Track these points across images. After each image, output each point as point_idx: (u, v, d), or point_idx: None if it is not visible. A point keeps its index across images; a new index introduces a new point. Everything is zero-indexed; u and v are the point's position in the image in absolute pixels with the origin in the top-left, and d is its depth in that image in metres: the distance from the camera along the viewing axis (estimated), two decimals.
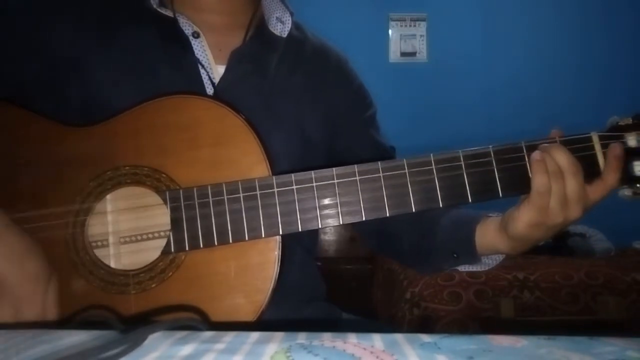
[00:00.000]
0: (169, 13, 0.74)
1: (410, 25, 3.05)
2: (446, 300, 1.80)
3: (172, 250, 0.62)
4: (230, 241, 0.62)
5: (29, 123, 0.67)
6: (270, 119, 0.69)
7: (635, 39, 2.91)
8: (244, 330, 0.43)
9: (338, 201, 0.62)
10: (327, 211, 0.63)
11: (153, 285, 0.62)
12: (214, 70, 0.75)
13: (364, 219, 0.62)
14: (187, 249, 0.62)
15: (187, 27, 0.75)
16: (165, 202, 0.63)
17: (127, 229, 0.65)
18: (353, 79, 0.89)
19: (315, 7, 2.90)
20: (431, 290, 1.83)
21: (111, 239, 0.64)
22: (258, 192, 0.62)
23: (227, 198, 0.62)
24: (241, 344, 0.39)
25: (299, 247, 0.79)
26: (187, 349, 0.38)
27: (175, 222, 0.62)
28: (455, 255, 0.75)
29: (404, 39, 3.04)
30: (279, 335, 0.42)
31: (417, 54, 3.05)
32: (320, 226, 0.63)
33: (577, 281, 1.88)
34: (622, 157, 0.62)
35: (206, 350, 0.38)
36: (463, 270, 0.79)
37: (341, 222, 0.63)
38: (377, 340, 0.40)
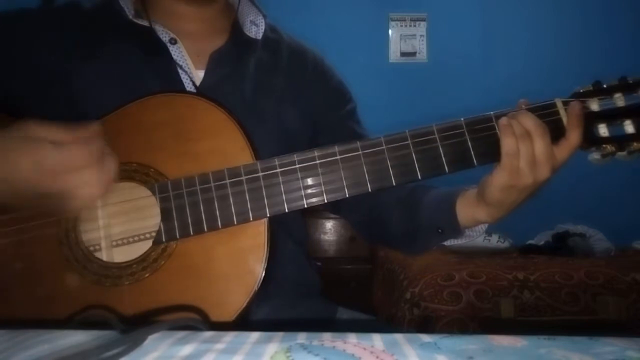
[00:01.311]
0: (145, 23, 0.76)
1: (410, 25, 3.05)
2: (446, 300, 1.80)
3: (164, 239, 0.63)
4: (220, 226, 0.63)
5: None
6: (253, 118, 0.71)
7: (635, 39, 2.91)
8: (244, 331, 0.43)
9: (321, 180, 0.65)
10: (311, 190, 0.65)
11: (146, 275, 0.62)
12: (195, 74, 0.77)
13: (347, 195, 0.65)
14: (177, 237, 0.63)
15: (164, 35, 0.77)
16: (154, 194, 0.64)
17: (118, 232, 0.65)
18: (330, 76, 0.92)
19: (316, 7, 2.90)
20: (431, 290, 1.83)
21: (103, 244, 0.65)
22: (244, 177, 0.64)
23: (215, 185, 0.64)
24: (241, 344, 0.39)
25: (290, 240, 0.81)
26: (187, 349, 0.38)
27: (165, 212, 0.64)
28: (439, 231, 0.77)
29: (404, 39, 3.04)
30: (279, 335, 0.42)
31: (417, 54, 3.05)
32: (305, 205, 0.65)
33: (577, 281, 1.88)
34: (581, 114, 0.66)
35: (206, 350, 0.38)
36: (448, 245, 0.81)
37: (325, 200, 0.65)
38: (377, 340, 0.40)
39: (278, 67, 0.85)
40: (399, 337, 0.41)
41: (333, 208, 0.94)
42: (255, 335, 0.42)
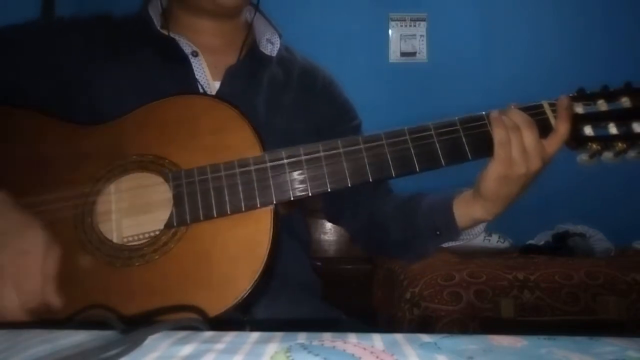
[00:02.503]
0: (170, 35, 0.82)
1: (410, 25, 3.05)
2: (446, 300, 1.80)
3: (175, 223, 0.66)
4: (228, 212, 0.66)
5: (46, 123, 0.73)
6: (263, 131, 0.73)
7: (635, 39, 2.91)
8: (244, 331, 0.43)
9: (325, 171, 0.68)
10: (315, 181, 0.68)
11: (156, 257, 0.65)
12: (211, 85, 0.82)
13: (349, 185, 0.68)
14: (188, 221, 0.66)
15: (187, 47, 0.83)
16: (167, 181, 0.68)
17: (129, 228, 0.68)
18: (338, 95, 0.96)
19: (316, 7, 2.90)
20: (431, 290, 1.83)
21: (115, 239, 0.68)
22: (252, 167, 0.67)
23: (225, 174, 0.67)
24: (241, 344, 0.39)
25: (294, 240, 0.83)
26: (187, 349, 0.38)
27: (177, 198, 0.67)
28: (437, 233, 0.79)
29: (404, 39, 3.04)
30: (279, 335, 0.42)
31: (417, 54, 3.05)
32: (310, 194, 0.68)
33: (577, 281, 1.88)
34: (570, 106, 0.69)
35: (206, 350, 0.38)
36: (446, 247, 0.83)
37: (329, 189, 0.68)
38: (377, 340, 0.40)
39: (289, 85, 0.89)
40: (399, 337, 0.41)
41: (334, 217, 0.96)
42: (255, 335, 0.42)
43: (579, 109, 0.71)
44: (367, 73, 2.86)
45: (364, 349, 0.38)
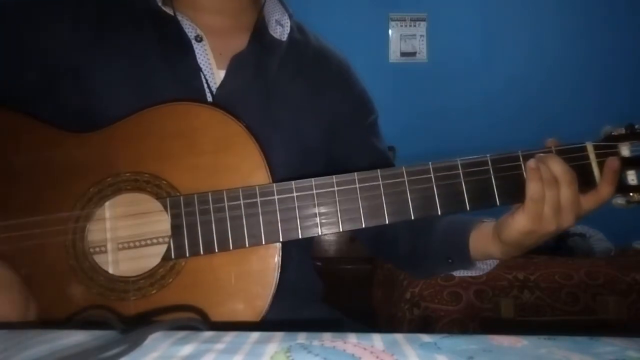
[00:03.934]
0: (170, 12, 0.73)
1: (410, 25, 3.05)
2: (446, 300, 1.80)
3: (173, 256, 0.62)
4: (231, 248, 0.62)
5: (29, 129, 0.67)
6: (270, 126, 0.69)
7: (636, 40, 2.91)
8: (244, 330, 0.43)
9: (338, 208, 0.63)
10: (327, 218, 0.63)
11: (153, 292, 0.61)
12: (216, 75, 0.74)
13: (363, 226, 0.63)
14: (187, 255, 0.62)
15: (191, 30, 0.74)
16: (166, 209, 0.62)
17: (125, 235, 0.64)
18: (354, 84, 0.88)
19: (316, 7, 2.90)
20: (431, 290, 1.83)
21: (110, 245, 0.64)
22: (259, 199, 0.62)
23: (228, 205, 0.62)
24: (241, 344, 0.39)
25: (296, 246, 0.78)
26: (187, 349, 0.38)
27: (176, 229, 0.62)
28: (450, 261, 0.75)
29: (404, 39, 3.05)
30: (279, 335, 0.42)
31: (417, 54, 3.05)
32: (320, 233, 0.63)
33: (577, 281, 1.88)
34: (618, 170, 0.63)
35: (206, 350, 0.38)
36: (458, 275, 0.80)
37: (341, 229, 0.63)
38: (377, 340, 0.40)
39: (301, 72, 0.81)
40: (399, 337, 0.41)
41: None
42: (255, 335, 0.42)
43: (626, 150, 0.65)
44: (367, 73, 2.85)
45: (364, 349, 0.38)
